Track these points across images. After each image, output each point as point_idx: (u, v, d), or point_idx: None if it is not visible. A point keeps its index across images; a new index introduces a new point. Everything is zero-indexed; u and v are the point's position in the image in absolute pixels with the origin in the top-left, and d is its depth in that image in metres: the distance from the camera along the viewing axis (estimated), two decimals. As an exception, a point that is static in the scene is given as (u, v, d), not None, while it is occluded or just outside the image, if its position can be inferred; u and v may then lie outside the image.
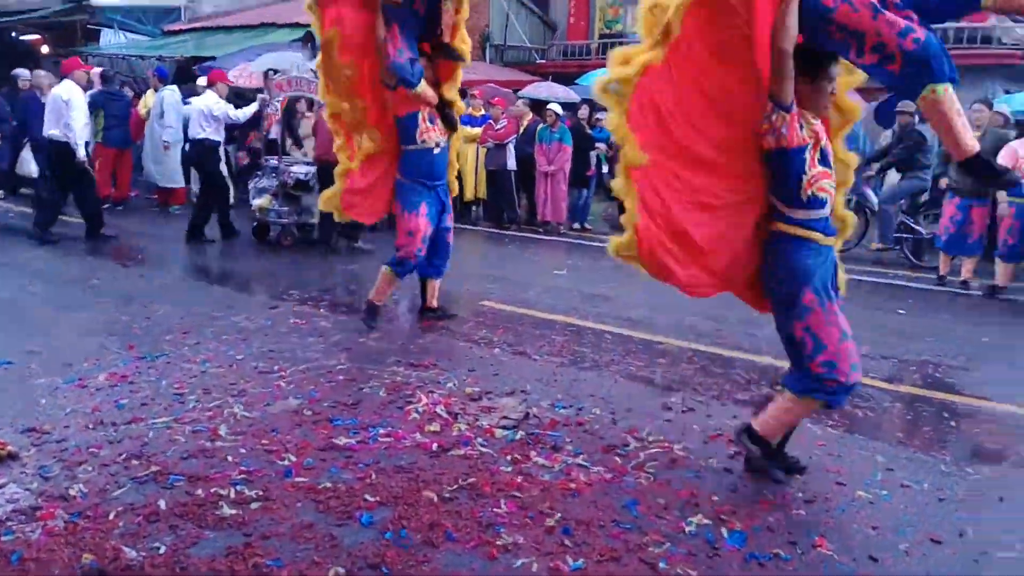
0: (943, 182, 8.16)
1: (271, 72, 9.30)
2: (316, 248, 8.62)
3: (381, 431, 3.65)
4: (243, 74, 11.38)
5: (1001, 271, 7.29)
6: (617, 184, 3.21)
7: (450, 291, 6.34)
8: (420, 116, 5.28)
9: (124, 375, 4.32)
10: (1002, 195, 7.28)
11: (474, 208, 11.59)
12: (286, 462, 3.28)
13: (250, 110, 9.16)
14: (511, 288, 7.13)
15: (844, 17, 2.85)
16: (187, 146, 9.62)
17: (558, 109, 10.83)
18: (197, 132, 8.88)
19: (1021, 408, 4.41)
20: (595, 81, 3.13)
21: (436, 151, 5.38)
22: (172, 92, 10.71)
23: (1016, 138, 7.62)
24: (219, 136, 9.10)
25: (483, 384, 4.42)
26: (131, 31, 17.21)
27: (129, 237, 8.86)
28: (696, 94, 3.09)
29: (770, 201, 3.21)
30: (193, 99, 9.49)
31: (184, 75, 12.47)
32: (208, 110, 8.81)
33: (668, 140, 3.10)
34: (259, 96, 9.25)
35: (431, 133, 5.33)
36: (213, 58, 13.49)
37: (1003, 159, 7.05)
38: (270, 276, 7.52)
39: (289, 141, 9.43)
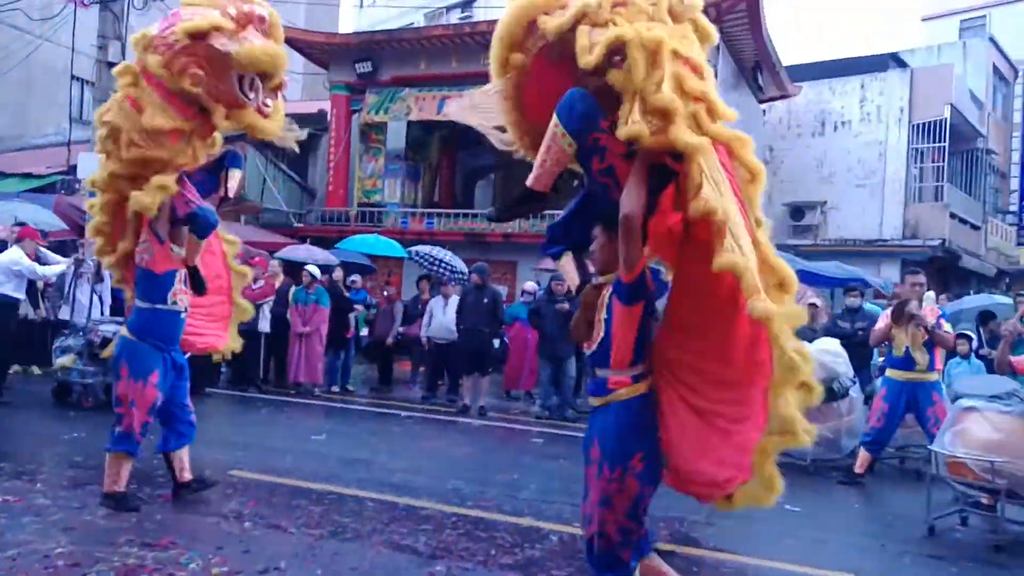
0: None
1: None
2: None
3: (108, 625, 3.15)
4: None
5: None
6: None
7: (194, 460, 5.80)
8: (178, 276, 5.01)
9: None
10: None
11: (222, 369, 10.94)
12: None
13: (58, 268, 8.76)
14: (264, 455, 6.69)
15: None
16: None
17: (315, 271, 10.81)
18: None
19: (761, 560, 4.80)
20: None
21: (183, 315, 5.08)
22: None
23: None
24: (19, 293, 8.52)
25: (232, 564, 4.01)
26: None
27: None
28: None
29: None
30: None
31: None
32: (10, 265, 8.27)
33: None
34: (74, 256, 8.95)
35: (183, 295, 5.04)
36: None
37: None
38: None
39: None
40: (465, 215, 17.06)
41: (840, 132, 19.94)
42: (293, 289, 10.70)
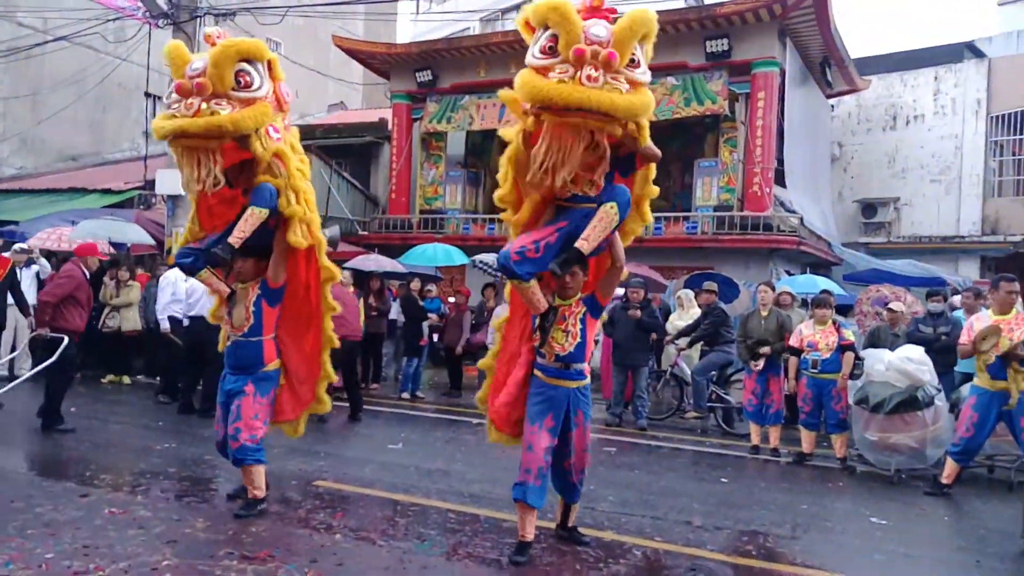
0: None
1: None
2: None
3: (219, 640, 3.27)
4: (51, 238, 10.78)
5: (805, 439, 7.94)
6: None
7: (277, 471, 5.98)
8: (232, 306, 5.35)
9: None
10: (791, 370, 8.05)
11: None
12: None
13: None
14: (344, 465, 6.84)
15: None
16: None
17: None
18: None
19: None
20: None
21: (233, 339, 5.36)
22: None
23: (801, 317, 8.59)
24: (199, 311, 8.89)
25: (328, 576, 4.12)
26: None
27: None
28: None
29: None
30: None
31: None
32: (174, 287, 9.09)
33: None
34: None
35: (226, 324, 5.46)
36: (15, 222, 12.73)
37: (792, 341, 7.93)
38: (77, 459, 6.74)
39: None
40: (527, 220, 17.05)
41: (913, 126, 19.35)
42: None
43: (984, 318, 6.68)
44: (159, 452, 6.97)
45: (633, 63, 4.17)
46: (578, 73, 3.98)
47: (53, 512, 4.89)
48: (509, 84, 4.44)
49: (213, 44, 4.74)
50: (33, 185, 16.22)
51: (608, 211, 4.38)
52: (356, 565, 4.34)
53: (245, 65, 4.73)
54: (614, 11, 4.34)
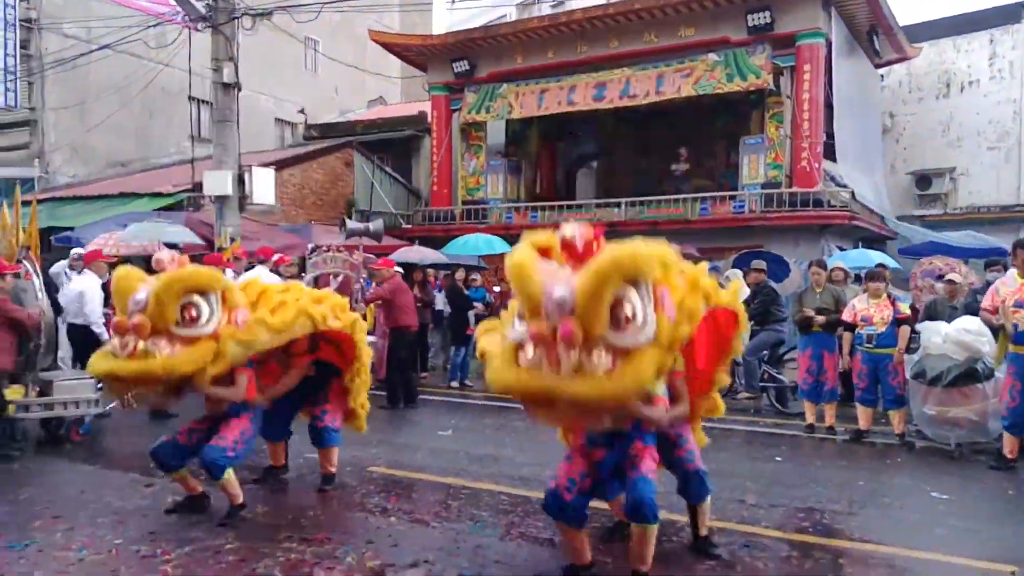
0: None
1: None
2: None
3: (282, 617, 3.35)
4: (107, 243, 11.09)
5: (861, 415, 7.79)
6: None
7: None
8: None
9: (-12, 569, 3.83)
10: (845, 346, 7.91)
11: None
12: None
13: None
14: (397, 452, 6.95)
15: None
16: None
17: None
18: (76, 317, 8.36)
19: (908, 551, 4.59)
20: None
21: None
22: None
23: (855, 293, 8.42)
24: None
25: (384, 557, 4.20)
26: (-19, 201, 16.49)
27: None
28: None
29: None
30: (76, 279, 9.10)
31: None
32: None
33: None
34: None
35: None
36: (71, 228, 13.11)
37: (845, 316, 7.79)
38: (141, 452, 6.92)
39: None
40: (568, 206, 17.04)
41: (968, 92, 18.72)
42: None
43: (1010, 281, 6.63)
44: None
45: (618, 323, 3.15)
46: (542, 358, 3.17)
47: (120, 501, 5.07)
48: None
49: (163, 270, 4.41)
50: (86, 192, 16.67)
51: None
52: (411, 545, 4.40)
53: (195, 297, 4.36)
54: (592, 248, 3.29)
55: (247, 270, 9.71)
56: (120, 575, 3.82)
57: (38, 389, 6.91)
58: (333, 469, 5.72)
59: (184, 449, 4.81)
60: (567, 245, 3.29)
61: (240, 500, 4.85)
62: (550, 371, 3.09)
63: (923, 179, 18.81)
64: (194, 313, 4.33)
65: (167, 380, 4.27)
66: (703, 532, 4.45)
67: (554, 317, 3.08)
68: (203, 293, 4.39)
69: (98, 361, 4.28)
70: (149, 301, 4.21)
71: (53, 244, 13.00)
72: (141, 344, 4.17)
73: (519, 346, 3.27)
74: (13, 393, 6.78)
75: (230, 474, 4.75)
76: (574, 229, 3.30)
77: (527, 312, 3.23)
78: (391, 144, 20.53)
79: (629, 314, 3.16)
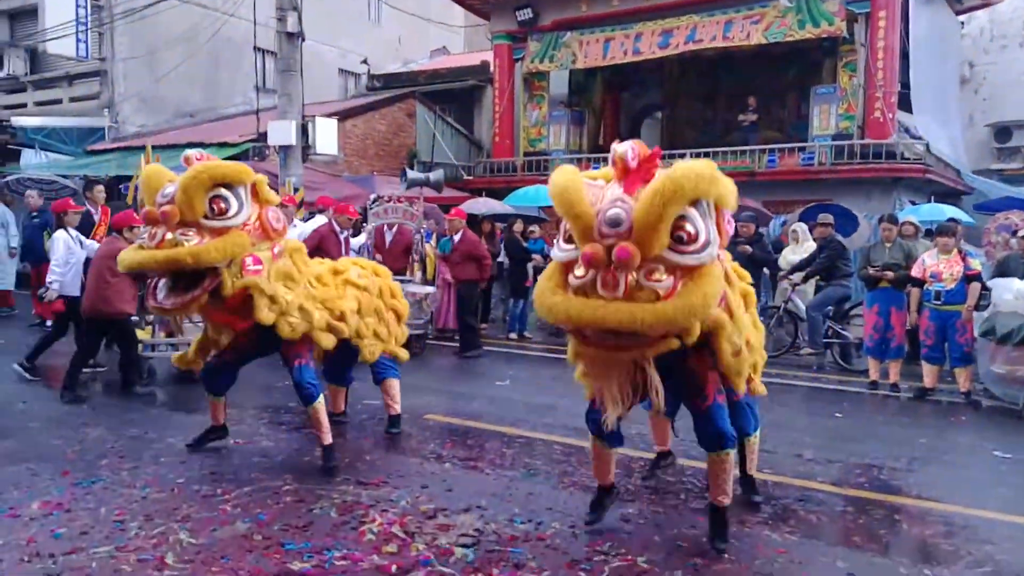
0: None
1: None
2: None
3: (336, 554, 3.49)
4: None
5: (927, 373, 7.59)
6: None
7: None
8: None
9: (59, 503, 4.06)
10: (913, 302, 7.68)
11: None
12: (237, 593, 3.09)
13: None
14: (453, 401, 7.05)
15: None
16: None
17: None
18: None
19: (968, 509, 4.49)
20: None
21: None
22: None
23: (926, 248, 8.14)
24: None
25: (437, 501, 4.30)
26: (53, 151, 17.04)
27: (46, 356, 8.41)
28: None
29: None
30: None
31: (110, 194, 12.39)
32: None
33: None
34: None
35: None
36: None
37: (914, 272, 7.55)
38: (202, 394, 7.21)
39: None
40: (633, 157, 16.74)
41: (1055, 39, 17.71)
42: (438, 239, 10.92)
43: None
44: (280, 389, 7.36)
45: (682, 240, 3.01)
46: (596, 279, 3.00)
47: (183, 443, 5.27)
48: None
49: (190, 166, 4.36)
50: (154, 142, 17.09)
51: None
52: (464, 491, 4.50)
53: (222, 190, 4.28)
54: (654, 165, 3.17)
55: (306, 220, 9.92)
56: (182, 512, 3.99)
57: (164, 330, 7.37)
58: (397, 408, 5.76)
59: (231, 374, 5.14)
60: (619, 162, 3.14)
61: (329, 439, 4.89)
62: (605, 293, 2.94)
63: (1003, 131, 17.91)
64: (223, 205, 4.29)
65: (194, 268, 4.21)
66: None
67: (609, 238, 2.98)
68: (231, 186, 4.34)
69: (128, 254, 4.32)
70: (176, 193, 4.22)
71: (122, 193, 13.40)
72: (169, 235, 4.17)
73: (566, 266, 3.15)
74: (142, 334, 7.24)
75: (321, 402, 4.85)
76: (627, 145, 3.16)
77: (577, 234, 3.07)
78: (453, 95, 20.45)
79: (692, 231, 3.02)
